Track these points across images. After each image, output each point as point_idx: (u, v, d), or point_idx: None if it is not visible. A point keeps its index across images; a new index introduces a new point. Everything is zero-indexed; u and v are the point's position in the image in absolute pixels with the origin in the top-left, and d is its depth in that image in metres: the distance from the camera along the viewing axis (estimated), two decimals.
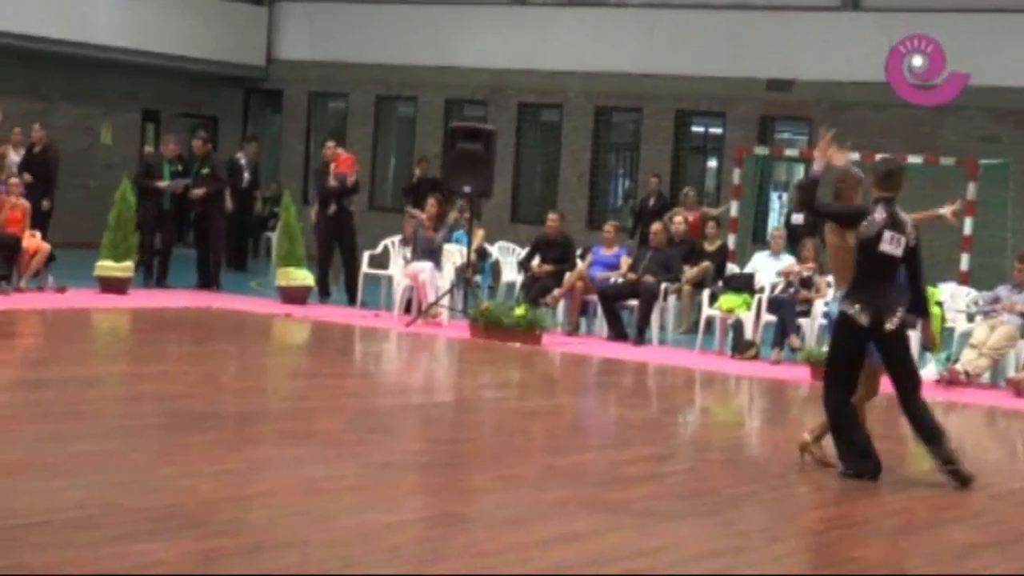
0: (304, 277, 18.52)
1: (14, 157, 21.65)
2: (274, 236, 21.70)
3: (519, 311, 16.11)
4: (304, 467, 8.43)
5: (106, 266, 17.98)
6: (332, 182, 19.06)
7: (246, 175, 23.63)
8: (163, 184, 19.22)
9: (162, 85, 27.68)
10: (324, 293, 18.84)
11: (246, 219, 24.00)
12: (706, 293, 16.63)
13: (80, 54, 25.61)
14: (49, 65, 25.56)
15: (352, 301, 18.67)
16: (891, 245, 9.07)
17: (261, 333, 16.43)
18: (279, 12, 29.09)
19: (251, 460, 8.62)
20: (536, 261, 17.87)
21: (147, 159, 20.63)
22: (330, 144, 19.87)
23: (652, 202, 22.57)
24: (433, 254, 17.49)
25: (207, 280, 19.29)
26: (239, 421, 10.19)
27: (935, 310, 14.10)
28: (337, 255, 19.23)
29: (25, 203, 18.07)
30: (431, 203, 17.91)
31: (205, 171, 19.55)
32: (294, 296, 18.26)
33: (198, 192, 19.30)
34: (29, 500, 6.97)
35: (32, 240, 17.73)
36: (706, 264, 17.99)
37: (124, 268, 18.02)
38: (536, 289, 17.41)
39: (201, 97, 28.69)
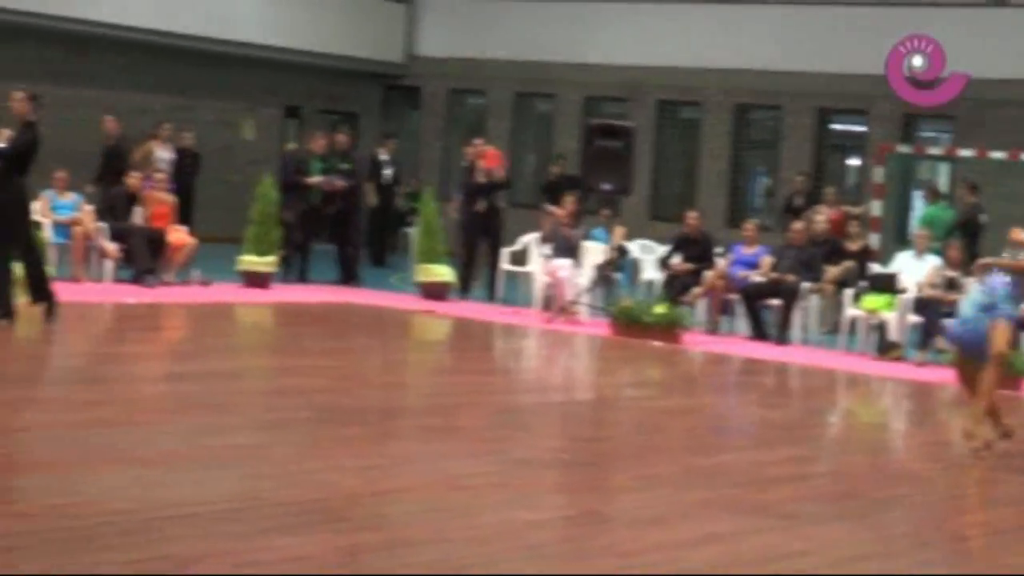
0: (444, 273, 18.59)
1: (161, 153, 21.98)
2: (413, 232, 21.82)
3: (659, 309, 16.03)
4: (446, 463, 8.45)
5: (249, 260, 18.20)
6: (480, 178, 19.13)
7: (387, 171, 23.79)
8: (314, 180, 19.37)
9: (304, 81, 27.97)
10: (465, 289, 18.89)
11: (387, 215, 24.17)
12: (849, 293, 16.41)
13: (224, 51, 25.97)
14: (193, 62, 25.95)
15: (492, 298, 18.71)
16: None
17: (401, 329, 16.53)
18: (419, 9, 29.24)
19: (393, 455, 8.66)
20: (676, 259, 17.76)
21: (298, 154, 20.81)
22: (477, 141, 20.04)
23: (799, 201, 22.28)
24: (572, 251, 17.46)
25: (348, 276, 19.45)
26: (381, 416, 10.24)
27: None
28: (480, 251, 19.24)
29: (171, 198, 18.37)
30: (569, 200, 17.87)
31: (346, 166, 19.69)
32: (434, 292, 18.34)
33: (340, 184, 19.42)
34: (178, 492, 7.05)
35: (177, 234, 18.00)
36: (848, 263, 17.73)
37: (267, 263, 18.22)
38: (676, 287, 17.30)
39: (342, 93, 28.93)
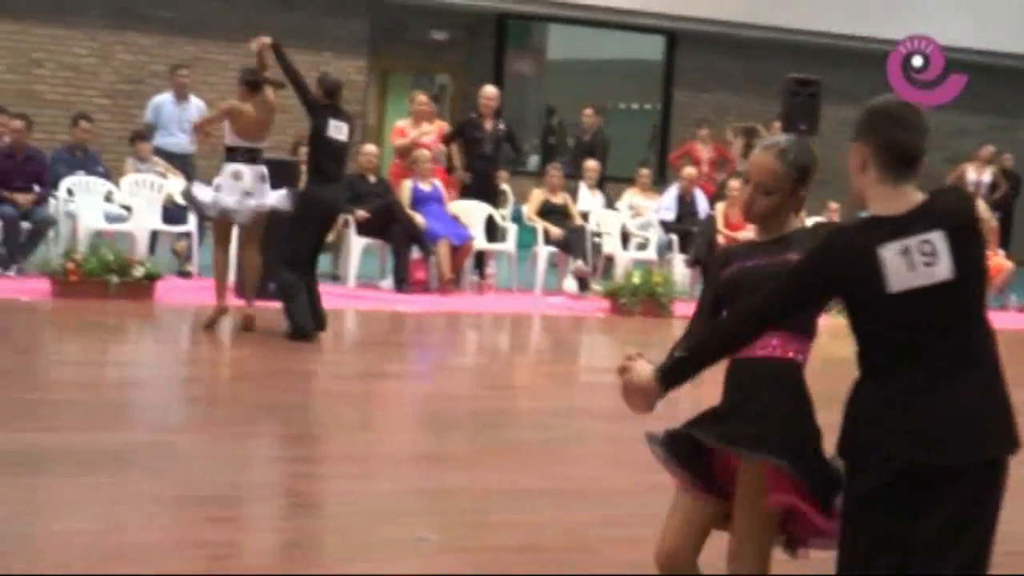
0: None
1: (972, 176, 21.50)
2: None
3: None
4: None
5: None
6: None
7: None
8: None
9: None
10: None
11: None
12: None
13: None
14: (1016, 81, 25.46)
15: None
16: None
17: None
18: None
19: None
20: None
21: None
22: None
23: None
24: None
25: None
26: None
27: None
28: None
29: (993, 222, 18.01)
30: None
31: None
32: None
33: None
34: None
35: (996, 259, 17.60)
36: None
37: None
38: None
39: None
